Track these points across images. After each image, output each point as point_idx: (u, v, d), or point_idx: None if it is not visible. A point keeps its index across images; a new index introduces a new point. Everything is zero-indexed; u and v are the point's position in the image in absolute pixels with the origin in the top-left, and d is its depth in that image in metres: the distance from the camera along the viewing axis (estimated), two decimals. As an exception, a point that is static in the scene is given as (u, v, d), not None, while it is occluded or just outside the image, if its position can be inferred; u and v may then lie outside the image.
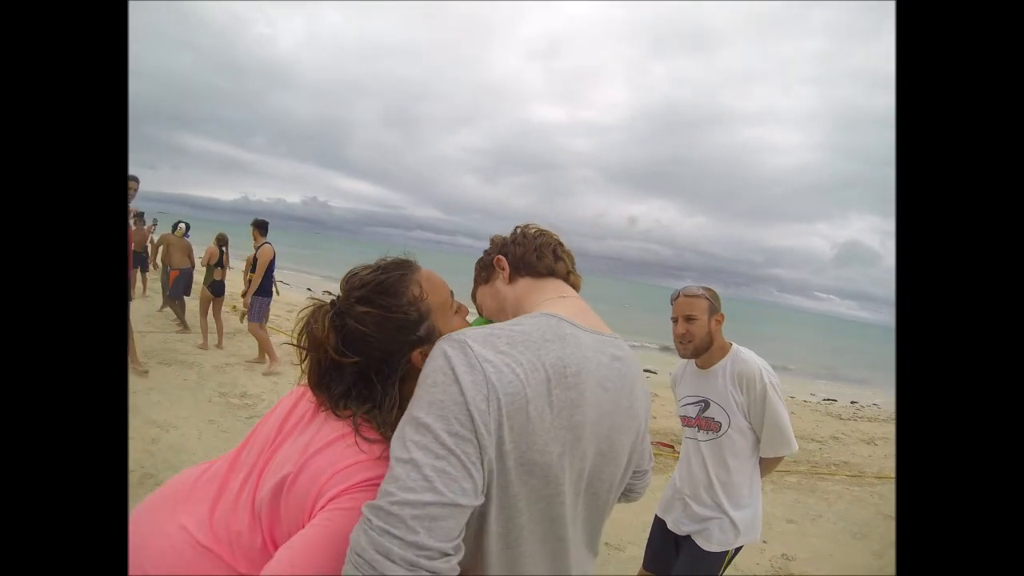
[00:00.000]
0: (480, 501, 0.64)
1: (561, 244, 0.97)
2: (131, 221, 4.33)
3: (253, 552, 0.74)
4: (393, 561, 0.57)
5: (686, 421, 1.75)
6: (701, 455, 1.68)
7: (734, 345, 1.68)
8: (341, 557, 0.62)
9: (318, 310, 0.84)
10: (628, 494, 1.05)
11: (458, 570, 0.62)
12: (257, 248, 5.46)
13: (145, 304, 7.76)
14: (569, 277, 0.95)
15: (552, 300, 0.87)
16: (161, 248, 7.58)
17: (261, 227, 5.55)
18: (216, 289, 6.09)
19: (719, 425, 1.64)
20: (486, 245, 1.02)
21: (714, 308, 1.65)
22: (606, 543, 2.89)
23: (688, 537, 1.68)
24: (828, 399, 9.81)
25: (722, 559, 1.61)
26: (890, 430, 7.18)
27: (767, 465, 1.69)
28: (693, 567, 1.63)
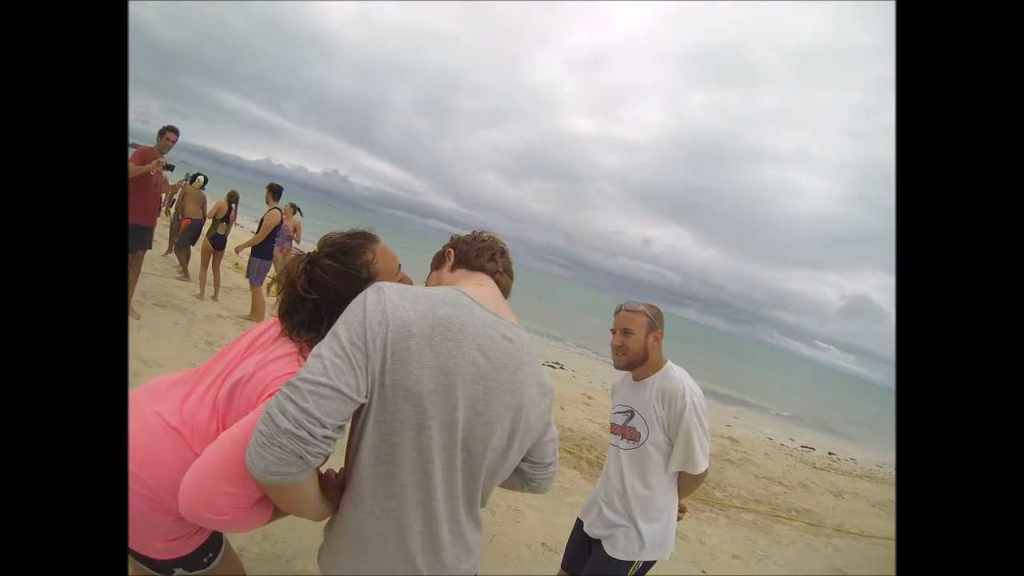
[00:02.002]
0: (361, 399, 0.84)
1: (504, 252, 1.14)
2: (163, 170, 4.44)
3: (208, 436, 0.98)
4: (286, 417, 0.77)
5: (613, 428, 1.83)
6: (620, 463, 1.74)
7: (668, 362, 1.74)
8: None
9: (297, 258, 1.12)
10: (530, 483, 1.12)
11: (331, 447, 0.82)
12: (268, 211, 5.60)
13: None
14: (496, 275, 1.10)
15: (470, 285, 1.03)
16: (177, 196, 7.74)
17: (275, 191, 5.73)
18: (217, 242, 6.25)
19: (639, 436, 1.70)
20: None
21: (653, 326, 1.70)
22: (543, 543, 2.97)
23: (598, 541, 1.74)
24: (806, 446, 9.78)
25: (627, 568, 1.67)
26: (861, 486, 7.15)
27: (684, 484, 1.74)
28: (598, 570, 1.70)
